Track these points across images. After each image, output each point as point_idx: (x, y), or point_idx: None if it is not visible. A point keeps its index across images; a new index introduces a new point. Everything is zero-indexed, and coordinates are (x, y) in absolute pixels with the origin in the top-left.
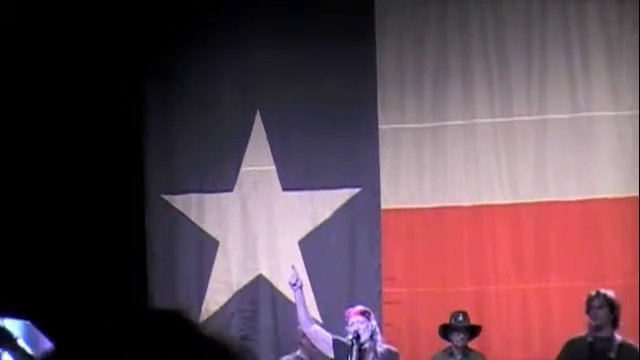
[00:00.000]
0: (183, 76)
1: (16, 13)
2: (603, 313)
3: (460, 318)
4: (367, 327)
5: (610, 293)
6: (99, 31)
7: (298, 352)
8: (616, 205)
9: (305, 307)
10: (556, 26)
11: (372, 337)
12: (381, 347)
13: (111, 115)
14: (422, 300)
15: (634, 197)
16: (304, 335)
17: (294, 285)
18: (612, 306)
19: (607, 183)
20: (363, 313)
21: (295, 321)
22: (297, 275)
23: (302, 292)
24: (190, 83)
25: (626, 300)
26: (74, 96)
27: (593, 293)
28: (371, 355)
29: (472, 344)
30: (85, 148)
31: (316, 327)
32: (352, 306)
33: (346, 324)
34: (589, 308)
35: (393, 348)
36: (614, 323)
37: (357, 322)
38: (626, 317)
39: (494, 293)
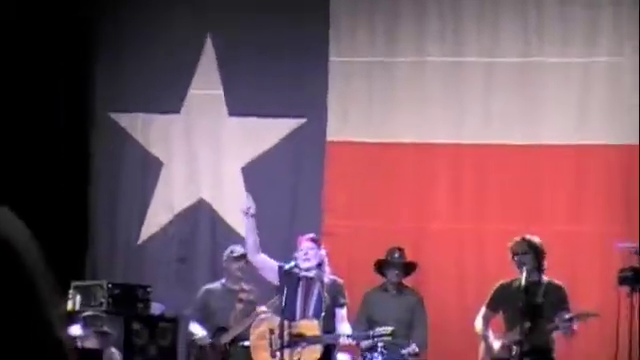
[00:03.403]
0: None
1: None
2: (529, 258)
3: (396, 254)
4: (316, 255)
5: (535, 238)
6: None
7: (224, 280)
8: (559, 152)
9: (255, 235)
10: None
11: (320, 266)
12: (327, 277)
13: (62, 33)
14: (361, 234)
15: (576, 145)
16: (229, 261)
17: (246, 213)
18: (536, 251)
19: (551, 130)
20: (314, 240)
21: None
22: (250, 203)
23: (253, 220)
24: (142, 3)
25: (564, 246)
26: (22, 17)
27: (517, 239)
28: (317, 284)
29: (407, 281)
30: (33, 63)
31: (263, 256)
32: (303, 233)
33: (296, 249)
34: (514, 254)
35: (339, 279)
36: (540, 267)
37: (307, 249)
38: (565, 262)
39: (433, 231)
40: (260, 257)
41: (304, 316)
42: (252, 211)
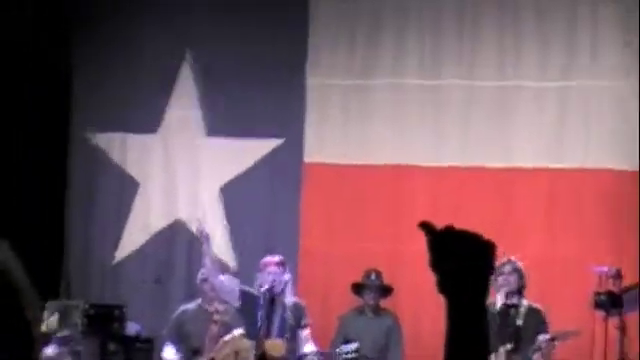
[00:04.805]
0: (113, 14)
1: None
2: (513, 279)
3: (373, 277)
4: (282, 279)
5: (519, 261)
6: None
7: (199, 300)
8: (534, 175)
9: (212, 258)
10: None
11: (283, 289)
12: (290, 300)
13: (40, 52)
14: (338, 256)
15: (551, 169)
16: (204, 281)
17: (200, 236)
18: (520, 274)
19: (527, 153)
20: (281, 264)
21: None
22: (202, 227)
23: (209, 244)
24: (121, 21)
25: (539, 269)
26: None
27: (504, 259)
28: (280, 307)
29: (384, 303)
30: (12, 81)
31: (222, 277)
32: (271, 254)
33: (260, 270)
34: (499, 274)
35: (301, 301)
36: (521, 290)
37: (274, 273)
38: (540, 286)
39: (409, 253)
40: (219, 279)
41: (267, 337)
42: (205, 235)
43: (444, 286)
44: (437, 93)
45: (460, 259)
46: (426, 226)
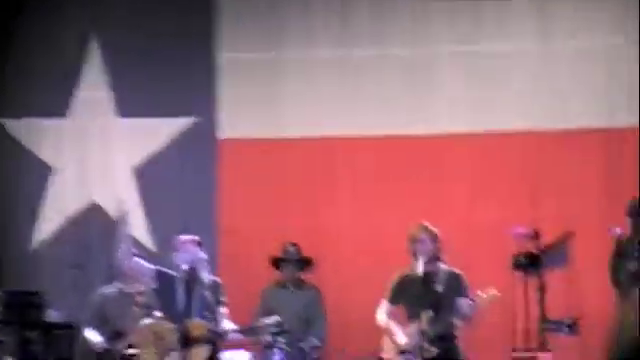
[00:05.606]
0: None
1: None
2: (427, 244)
3: (290, 250)
4: (199, 257)
5: (432, 227)
6: None
7: (119, 283)
8: (457, 141)
9: (127, 240)
10: None
11: (200, 268)
12: (207, 278)
13: None
14: (258, 231)
15: (471, 133)
16: (124, 263)
17: (120, 218)
18: (435, 238)
19: (448, 119)
20: (197, 243)
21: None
22: (123, 207)
23: (125, 227)
24: (22, 7)
25: (462, 234)
26: None
27: (416, 226)
28: (199, 286)
29: (307, 276)
30: None
31: (137, 259)
32: (187, 233)
33: (177, 249)
34: (413, 241)
35: (218, 279)
36: (438, 256)
37: (191, 251)
38: (463, 250)
39: (330, 226)
40: (133, 261)
41: (188, 317)
42: (125, 215)
43: None
44: (350, 63)
45: None
46: None
